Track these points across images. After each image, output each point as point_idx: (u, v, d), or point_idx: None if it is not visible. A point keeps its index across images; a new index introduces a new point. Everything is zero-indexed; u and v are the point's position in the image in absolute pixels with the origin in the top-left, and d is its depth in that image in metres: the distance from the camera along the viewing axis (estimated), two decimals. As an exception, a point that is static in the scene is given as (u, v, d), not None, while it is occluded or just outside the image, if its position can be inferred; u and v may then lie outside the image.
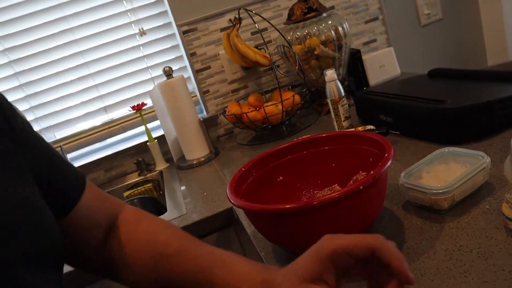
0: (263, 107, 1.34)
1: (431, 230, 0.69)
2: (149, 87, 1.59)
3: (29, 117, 1.53)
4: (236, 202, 0.66)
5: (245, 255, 1.04)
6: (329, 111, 1.42)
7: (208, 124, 1.55)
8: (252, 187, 0.77)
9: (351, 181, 0.79)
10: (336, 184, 0.82)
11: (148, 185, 1.46)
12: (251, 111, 1.35)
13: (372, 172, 0.62)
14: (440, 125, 0.96)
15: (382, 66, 1.58)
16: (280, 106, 1.34)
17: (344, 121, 1.18)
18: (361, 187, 0.60)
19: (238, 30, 1.41)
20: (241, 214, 0.94)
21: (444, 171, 0.77)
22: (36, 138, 0.56)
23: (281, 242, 0.69)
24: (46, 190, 0.52)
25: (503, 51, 1.91)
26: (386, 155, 0.66)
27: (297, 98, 1.38)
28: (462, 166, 0.76)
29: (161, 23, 1.56)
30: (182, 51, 1.57)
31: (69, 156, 1.58)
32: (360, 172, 0.78)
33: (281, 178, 0.82)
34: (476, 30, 1.93)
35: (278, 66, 1.57)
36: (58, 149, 1.49)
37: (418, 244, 0.66)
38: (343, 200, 0.60)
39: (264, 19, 1.41)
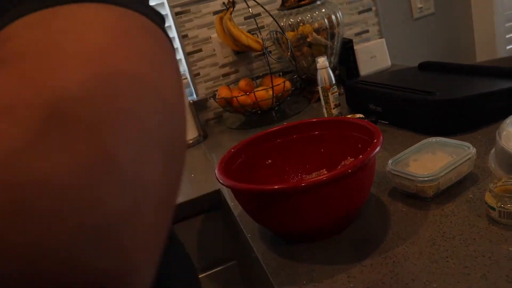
0: (254, 92, 1.33)
1: (415, 217, 0.70)
2: (139, 67, 1.58)
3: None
4: (224, 182, 0.66)
5: (231, 237, 1.05)
6: (319, 99, 1.42)
7: (197, 107, 1.54)
8: (241, 169, 0.77)
9: (339, 167, 0.79)
10: (324, 169, 0.83)
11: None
12: (242, 95, 1.35)
13: (360, 156, 0.63)
14: (429, 116, 0.97)
15: (373, 57, 1.59)
16: (270, 92, 1.34)
17: (333, 108, 1.18)
18: (349, 171, 0.61)
19: (231, 13, 1.40)
20: (228, 196, 0.94)
21: (431, 160, 0.78)
22: None
23: (268, 223, 0.69)
24: None
25: (492, 48, 1.93)
26: (375, 141, 0.67)
27: (288, 84, 1.38)
28: (448, 156, 0.77)
29: (153, 3, 1.54)
30: (174, 33, 1.55)
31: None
32: (349, 157, 0.79)
33: (269, 161, 0.83)
34: (466, 26, 1.95)
35: (270, 52, 1.57)
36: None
37: (403, 230, 0.67)
38: (331, 183, 0.61)
39: (258, 3, 1.40)
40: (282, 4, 1.45)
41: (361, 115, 1.10)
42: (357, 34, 1.73)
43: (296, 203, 0.62)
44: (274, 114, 1.42)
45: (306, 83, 1.53)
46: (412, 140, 0.97)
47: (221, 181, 0.67)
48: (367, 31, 1.75)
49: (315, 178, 0.59)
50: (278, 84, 1.34)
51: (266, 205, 0.64)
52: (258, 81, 1.54)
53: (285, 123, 0.87)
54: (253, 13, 1.48)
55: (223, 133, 1.43)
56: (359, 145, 0.76)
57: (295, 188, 0.61)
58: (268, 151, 0.83)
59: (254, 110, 1.38)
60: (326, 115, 1.20)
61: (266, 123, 1.36)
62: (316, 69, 1.19)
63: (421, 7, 1.82)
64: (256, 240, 0.75)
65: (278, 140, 0.83)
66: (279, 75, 1.56)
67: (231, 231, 1.02)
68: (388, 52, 1.61)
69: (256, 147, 0.82)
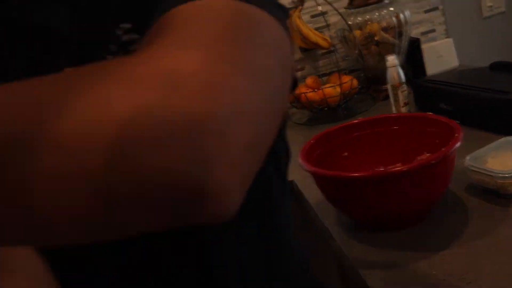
0: (322, 89, 1.37)
1: (495, 213, 0.71)
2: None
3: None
4: (310, 169, 0.70)
5: (304, 227, 1.09)
6: (385, 98, 1.43)
7: (263, 103, 1.59)
8: (320, 159, 0.81)
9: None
10: (399, 163, 0.85)
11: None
12: (310, 92, 1.38)
13: (443, 149, 0.65)
14: (504, 115, 0.97)
15: (440, 56, 1.57)
16: (338, 89, 1.36)
17: (403, 107, 1.19)
18: (433, 162, 0.63)
19: (300, 11, 1.44)
20: (303, 185, 0.97)
21: (510, 158, 0.78)
22: None
23: (350, 210, 0.73)
24: None
25: None
26: (456, 135, 0.69)
27: (355, 82, 1.40)
28: (528, 155, 0.77)
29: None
30: (242, 30, 1.61)
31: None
32: (425, 152, 0.81)
33: (346, 153, 0.86)
34: (539, 26, 1.88)
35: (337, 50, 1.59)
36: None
37: (481, 225, 0.69)
38: (414, 173, 0.64)
39: (328, 2, 1.43)
40: (350, 3, 1.47)
41: (430, 114, 1.11)
42: (423, 34, 1.72)
43: (380, 191, 0.65)
44: (341, 112, 1.45)
45: (371, 81, 1.54)
46: (486, 139, 0.96)
47: (307, 169, 0.71)
48: (433, 31, 1.73)
49: (401, 168, 0.62)
50: (346, 82, 1.37)
51: (350, 192, 0.68)
52: (324, 78, 1.57)
53: (359, 118, 0.90)
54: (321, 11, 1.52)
55: (290, 128, 1.46)
56: (437, 141, 0.78)
57: (383, 176, 0.64)
58: (344, 144, 0.86)
59: (321, 107, 1.42)
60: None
61: (332, 120, 1.39)
62: (383, 68, 1.20)
63: (491, 6, 1.78)
64: (333, 226, 0.78)
65: (355, 133, 0.86)
66: (345, 73, 1.58)
67: (304, 221, 1.05)
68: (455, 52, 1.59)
69: (334, 139, 0.85)
